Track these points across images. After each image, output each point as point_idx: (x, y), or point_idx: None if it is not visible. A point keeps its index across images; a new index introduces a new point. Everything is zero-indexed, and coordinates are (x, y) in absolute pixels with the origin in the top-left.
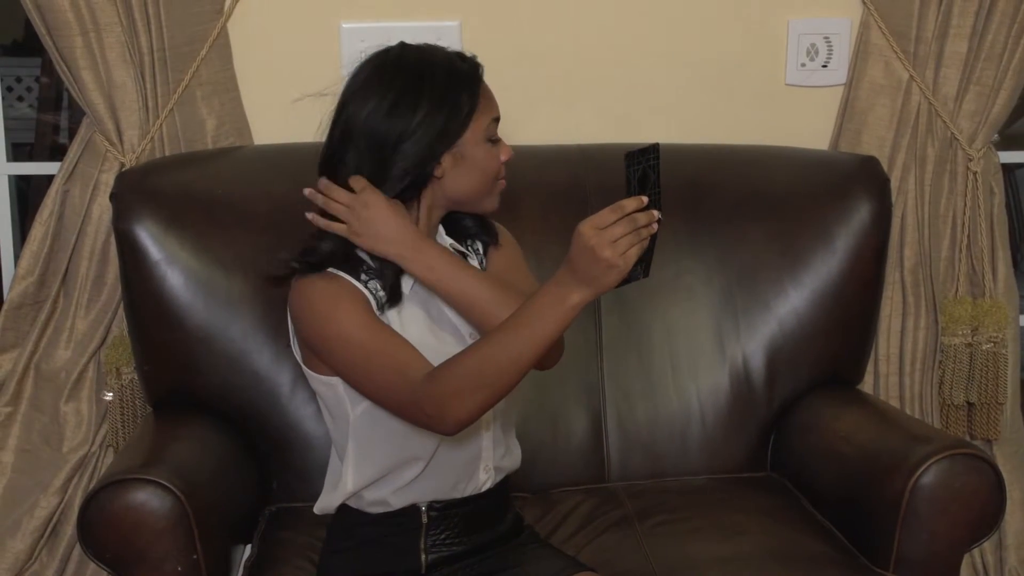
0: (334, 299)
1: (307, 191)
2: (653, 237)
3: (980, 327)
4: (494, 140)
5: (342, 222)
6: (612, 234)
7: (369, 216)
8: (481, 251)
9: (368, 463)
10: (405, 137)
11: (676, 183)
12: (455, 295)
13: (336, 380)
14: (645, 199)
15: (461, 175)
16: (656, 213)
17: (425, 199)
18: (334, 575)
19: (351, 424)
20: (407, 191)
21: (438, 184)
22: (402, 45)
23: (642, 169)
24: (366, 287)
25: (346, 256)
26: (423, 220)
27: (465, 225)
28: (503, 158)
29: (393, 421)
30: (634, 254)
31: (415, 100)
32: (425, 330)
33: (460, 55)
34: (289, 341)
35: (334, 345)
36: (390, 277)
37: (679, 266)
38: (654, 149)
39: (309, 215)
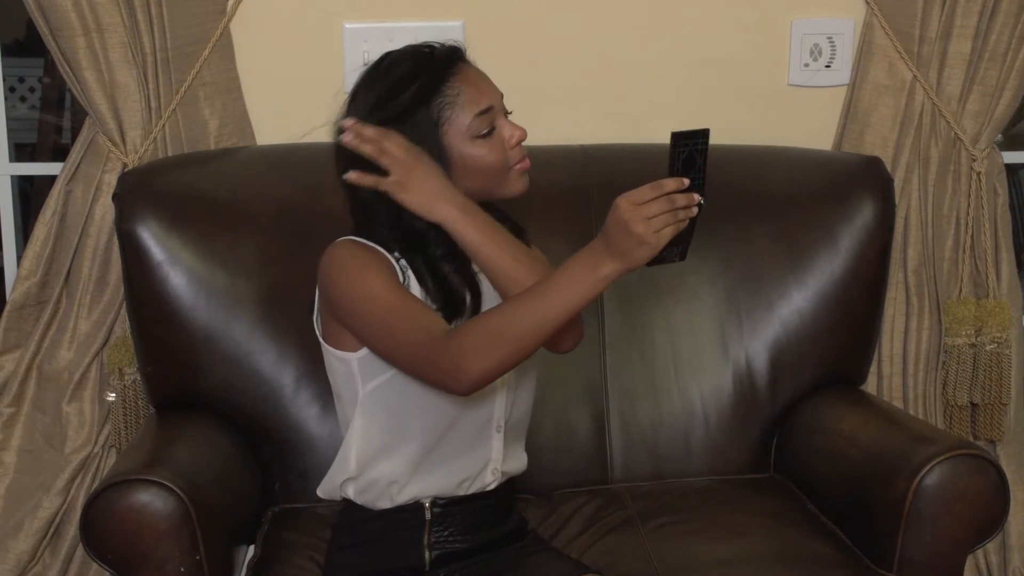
0: (365, 262)
1: (352, 175)
2: (692, 221)
3: (984, 328)
4: (485, 134)
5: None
6: (648, 210)
7: (423, 172)
8: None
9: (370, 437)
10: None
11: None
12: (497, 263)
13: (351, 356)
14: (687, 181)
15: (462, 177)
16: (697, 197)
17: None
18: (340, 572)
19: (359, 402)
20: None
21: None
22: (383, 57)
23: (688, 151)
24: (395, 260)
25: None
26: None
27: None
28: (512, 142)
29: (401, 400)
30: (668, 234)
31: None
32: None
33: (429, 59)
34: (311, 315)
35: (360, 303)
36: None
37: (682, 266)
38: (704, 134)
39: (352, 175)
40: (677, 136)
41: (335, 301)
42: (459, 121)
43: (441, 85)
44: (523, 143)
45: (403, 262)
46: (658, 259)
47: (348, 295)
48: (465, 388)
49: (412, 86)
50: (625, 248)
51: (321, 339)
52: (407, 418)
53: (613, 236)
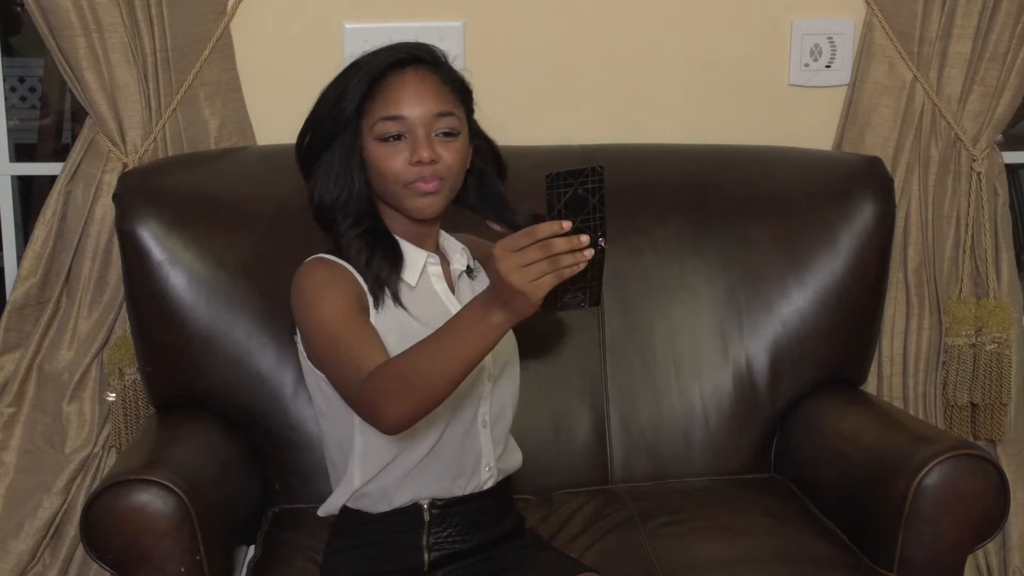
0: (324, 287)
1: None
2: (596, 263)
3: (984, 328)
4: (385, 139)
5: None
6: (523, 258)
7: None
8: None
9: (373, 453)
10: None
11: (679, 184)
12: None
13: None
14: (566, 225)
15: (371, 176)
16: (585, 239)
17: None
18: (338, 575)
19: (356, 422)
20: (345, 191)
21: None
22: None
23: (572, 192)
24: (365, 279)
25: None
26: (399, 224)
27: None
28: (412, 159)
29: None
30: (546, 283)
31: (317, 102)
32: (395, 346)
33: (397, 46)
34: (292, 336)
35: (313, 334)
36: (376, 279)
37: (682, 266)
38: (594, 172)
39: None
40: (551, 178)
41: (298, 327)
42: (369, 116)
43: (379, 79)
44: (436, 171)
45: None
46: (559, 305)
47: (303, 324)
48: (392, 430)
49: (349, 79)
50: (506, 297)
51: (310, 363)
52: (409, 432)
53: (496, 284)
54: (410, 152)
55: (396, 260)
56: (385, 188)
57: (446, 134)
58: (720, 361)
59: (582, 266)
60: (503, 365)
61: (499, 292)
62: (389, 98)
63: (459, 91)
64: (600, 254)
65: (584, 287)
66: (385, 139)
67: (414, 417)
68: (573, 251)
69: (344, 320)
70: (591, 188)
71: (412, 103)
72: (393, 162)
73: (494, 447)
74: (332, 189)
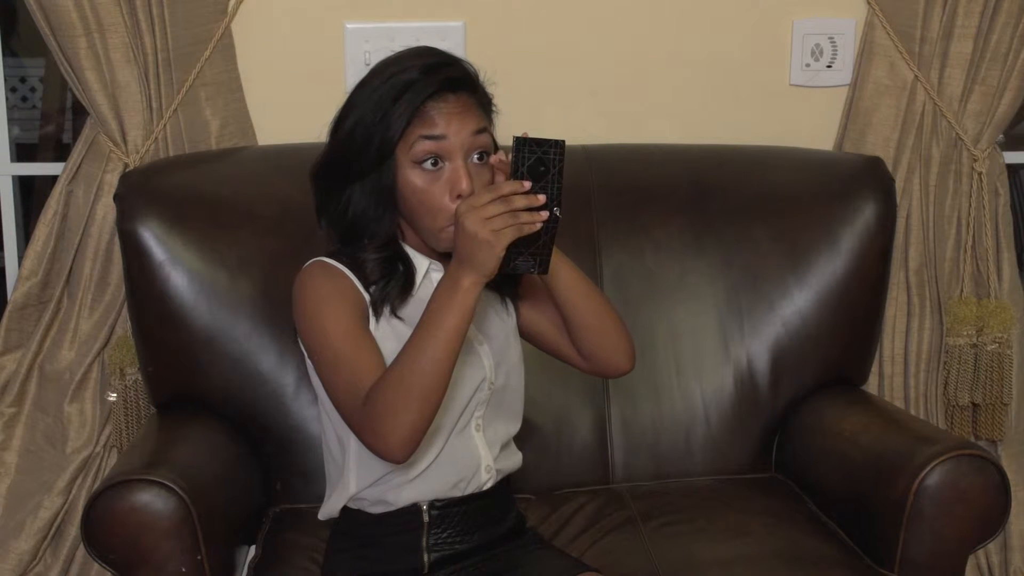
0: (327, 298)
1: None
2: (549, 231)
3: (985, 328)
4: (422, 162)
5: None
6: (485, 212)
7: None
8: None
9: (371, 463)
10: (343, 150)
11: (680, 184)
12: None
13: None
14: (527, 184)
15: (403, 207)
16: (542, 198)
17: (403, 222)
18: (338, 575)
19: None
20: (369, 211)
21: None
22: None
23: (535, 159)
24: (367, 291)
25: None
26: (414, 235)
27: None
28: (455, 191)
29: None
30: (508, 234)
31: (347, 110)
32: (392, 354)
33: (432, 67)
34: (296, 338)
35: (315, 345)
36: (383, 298)
37: (683, 266)
38: (556, 144)
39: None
40: (519, 141)
41: (300, 340)
42: (407, 138)
43: (419, 105)
44: (467, 186)
45: (375, 287)
46: (512, 267)
47: (305, 336)
48: (399, 454)
49: (386, 103)
50: (471, 252)
51: (312, 362)
52: None
53: (460, 245)
54: (450, 185)
55: (408, 286)
56: (417, 221)
57: (480, 156)
58: (721, 361)
59: (538, 226)
60: (505, 374)
61: (463, 250)
62: (429, 119)
63: (488, 111)
64: (554, 223)
65: (536, 252)
66: (422, 163)
67: (419, 425)
68: (531, 209)
69: (348, 337)
70: (552, 159)
71: (453, 125)
72: (436, 192)
73: (489, 449)
74: (366, 212)
